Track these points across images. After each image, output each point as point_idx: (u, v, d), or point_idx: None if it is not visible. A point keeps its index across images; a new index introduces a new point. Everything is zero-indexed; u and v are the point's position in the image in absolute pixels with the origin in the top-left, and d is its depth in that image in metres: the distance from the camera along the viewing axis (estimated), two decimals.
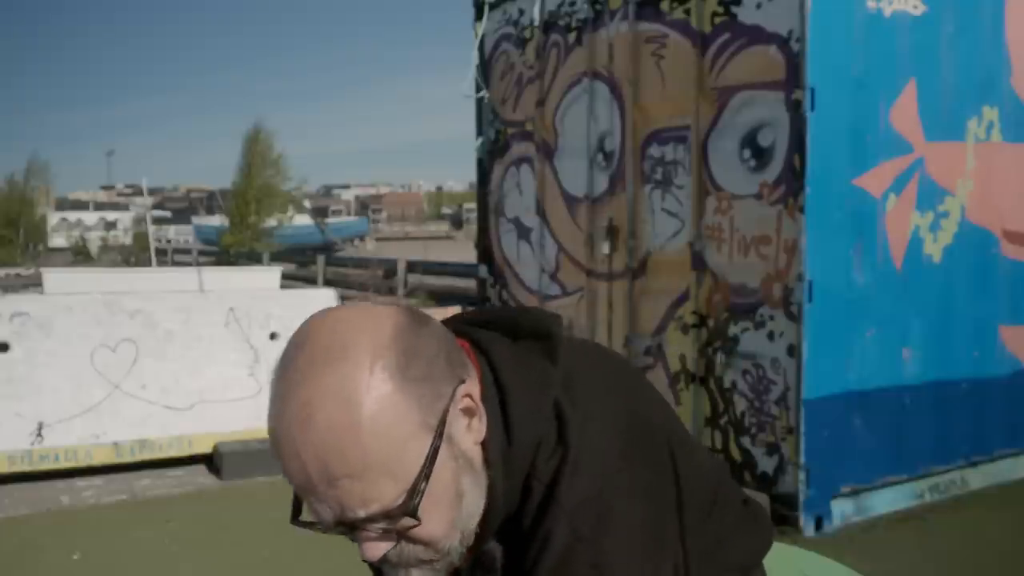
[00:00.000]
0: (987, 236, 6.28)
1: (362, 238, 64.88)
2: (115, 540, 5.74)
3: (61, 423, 7.02)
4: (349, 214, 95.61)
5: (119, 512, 6.38)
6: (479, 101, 8.40)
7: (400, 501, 1.19)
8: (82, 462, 7.05)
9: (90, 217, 65.05)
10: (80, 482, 6.97)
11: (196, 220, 66.29)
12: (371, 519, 1.20)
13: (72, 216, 64.34)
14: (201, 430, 7.39)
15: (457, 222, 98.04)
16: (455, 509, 1.27)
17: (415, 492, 1.19)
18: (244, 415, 7.52)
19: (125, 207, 76.26)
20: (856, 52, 5.54)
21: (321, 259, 26.04)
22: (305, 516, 1.28)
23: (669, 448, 1.39)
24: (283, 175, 42.70)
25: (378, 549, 1.25)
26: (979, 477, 6.35)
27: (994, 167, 6.27)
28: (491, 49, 8.24)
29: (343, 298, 9.68)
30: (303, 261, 30.31)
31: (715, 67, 6.00)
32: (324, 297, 8.36)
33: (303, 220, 53.52)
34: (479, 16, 8.32)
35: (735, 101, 5.87)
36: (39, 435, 6.96)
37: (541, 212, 7.66)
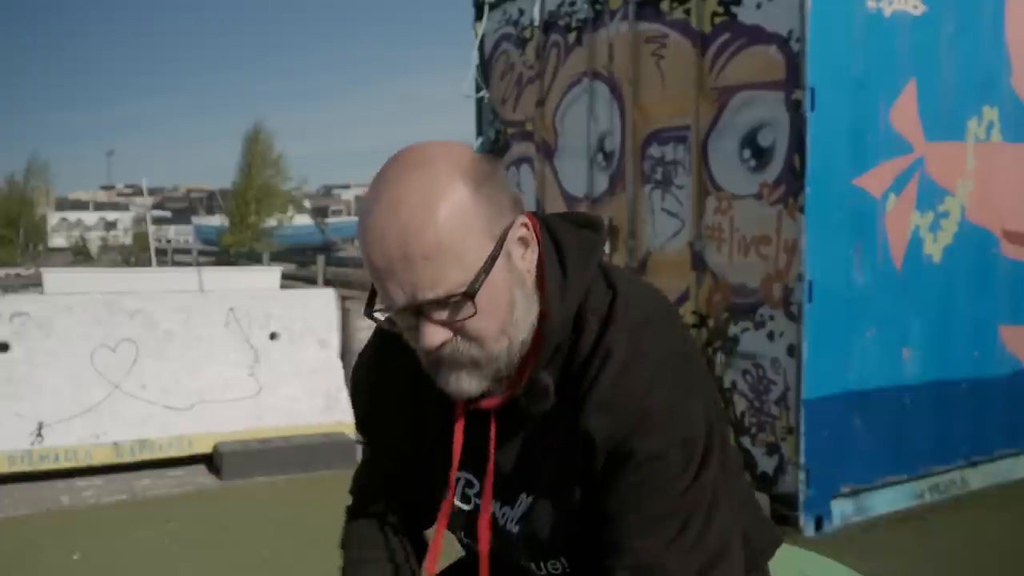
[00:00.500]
0: (987, 236, 6.28)
1: None
2: (115, 540, 5.74)
3: (61, 423, 7.02)
4: (349, 214, 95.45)
5: (119, 512, 6.38)
6: (479, 101, 8.40)
7: (464, 288, 1.39)
8: (82, 462, 7.05)
9: (90, 217, 65.03)
10: (80, 482, 6.97)
11: (196, 220, 66.27)
12: (437, 301, 1.40)
13: (72, 216, 64.32)
14: (201, 430, 7.39)
15: None
16: (507, 314, 1.46)
17: (476, 281, 1.39)
18: (244, 415, 7.52)
19: (125, 207, 76.27)
20: (856, 52, 5.54)
21: (321, 259, 26.04)
22: (379, 304, 1.47)
23: (715, 400, 1.62)
24: (283, 175, 42.74)
25: (437, 336, 1.43)
26: (979, 477, 6.35)
27: (994, 167, 6.27)
28: (491, 49, 8.24)
29: (344, 298, 9.68)
30: (303, 261, 30.31)
31: (715, 67, 6.00)
32: (324, 297, 8.36)
33: (303, 220, 53.49)
34: (479, 16, 8.32)
35: (735, 101, 5.87)
36: (39, 435, 6.96)
37: (541, 212, 7.65)
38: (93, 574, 5.22)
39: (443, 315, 1.42)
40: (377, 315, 1.49)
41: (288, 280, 16.35)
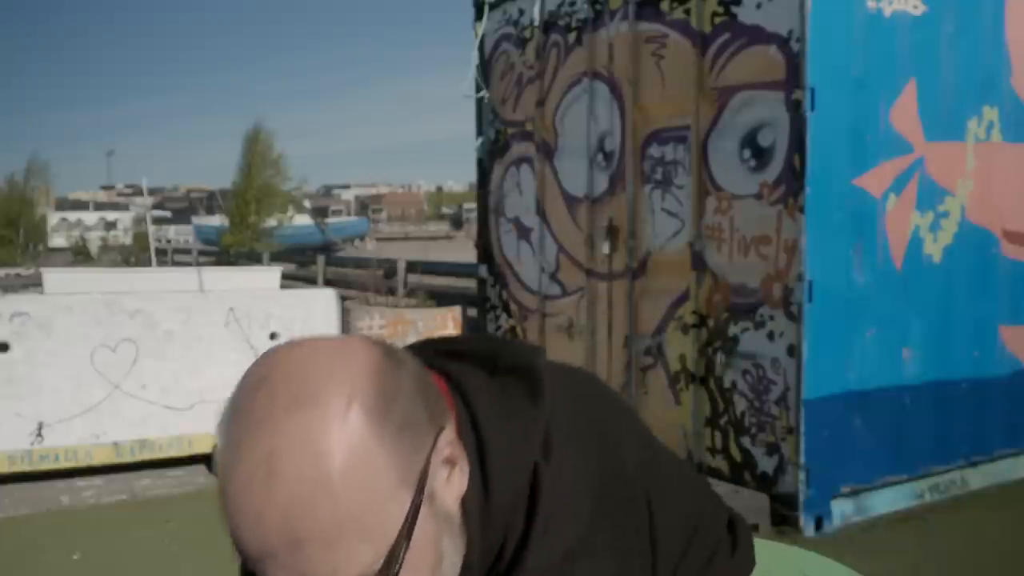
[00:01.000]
0: (987, 236, 6.28)
1: (362, 238, 64.89)
2: (115, 540, 5.74)
3: (61, 423, 7.02)
4: (349, 214, 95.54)
5: (119, 512, 6.38)
6: (479, 101, 8.40)
7: (377, 568, 1.02)
8: (82, 462, 7.05)
9: (90, 217, 65.03)
10: (80, 482, 6.97)
11: (196, 220, 66.28)
12: None
13: (72, 216, 64.32)
14: (201, 430, 7.39)
15: (457, 222, 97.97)
16: (432, 572, 1.10)
17: (394, 559, 1.02)
18: None
19: (125, 207, 76.25)
20: (856, 52, 5.54)
21: (321, 259, 26.01)
22: None
23: (647, 499, 1.28)
24: (283, 175, 42.67)
25: None
26: (979, 477, 6.35)
27: (994, 167, 6.27)
28: (491, 49, 8.24)
29: (343, 298, 9.69)
30: (303, 261, 30.26)
31: (715, 67, 6.00)
32: (324, 297, 8.36)
33: (303, 220, 53.49)
34: (479, 16, 8.32)
35: (735, 101, 5.87)
36: (39, 435, 6.96)
37: (541, 212, 7.66)
38: (93, 574, 5.22)
39: None
40: None
41: (288, 280, 16.32)
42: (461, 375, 1.22)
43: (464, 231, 75.44)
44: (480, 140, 8.48)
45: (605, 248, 6.93)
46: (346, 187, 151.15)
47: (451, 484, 1.11)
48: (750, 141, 5.79)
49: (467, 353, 1.27)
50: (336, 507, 0.98)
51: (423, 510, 1.05)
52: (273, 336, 7.79)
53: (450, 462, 1.11)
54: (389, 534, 1.02)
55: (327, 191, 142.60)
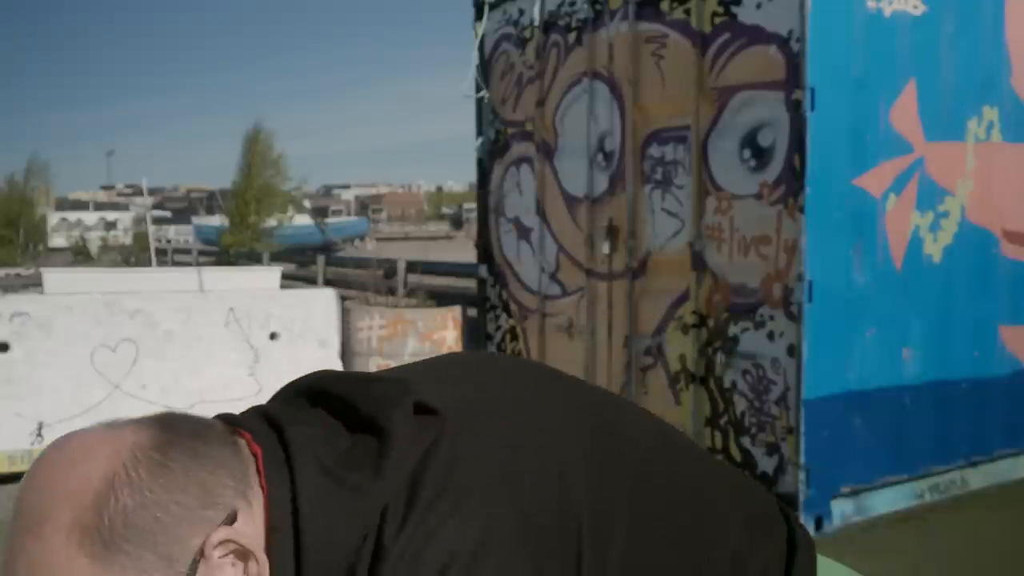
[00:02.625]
0: (987, 236, 6.28)
1: (362, 238, 64.87)
2: None
3: (61, 423, 7.02)
4: (349, 214, 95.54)
5: None
6: (479, 101, 8.40)
7: None
8: None
9: (90, 217, 65.00)
10: None
11: (196, 220, 66.24)
12: None
13: (72, 216, 64.29)
14: None
15: (457, 222, 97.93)
16: None
17: None
18: None
19: (125, 207, 76.23)
20: (856, 52, 5.54)
21: (321, 259, 25.99)
22: None
23: (579, 544, 1.10)
24: (283, 175, 42.64)
25: None
26: (979, 477, 6.36)
27: (994, 167, 6.27)
28: (491, 49, 8.24)
29: (343, 298, 9.69)
30: (303, 261, 30.24)
31: (715, 67, 6.00)
32: (324, 297, 8.37)
33: (303, 220, 53.46)
34: (479, 16, 8.32)
35: (735, 101, 5.88)
36: (39, 435, 6.96)
37: (541, 212, 7.66)
38: None
39: None
40: None
41: (288, 280, 16.30)
42: (298, 441, 1.11)
43: (464, 231, 75.45)
44: (480, 140, 8.48)
45: (605, 248, 6.93)
46: (346, 187, 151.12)
47: None
48: (750, 141, 5.79)
49: (332, 398, 1.17)
50: None
51: None
52: (273, 336, 7.80)
53: (241, 555, 1.02)
54: None
55: (327, 191, 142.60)
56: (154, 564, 0.97)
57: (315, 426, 1.13)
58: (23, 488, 1.00)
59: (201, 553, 0.99)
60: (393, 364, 8.34)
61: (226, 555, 1.00)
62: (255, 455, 1.09)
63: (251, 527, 1.03)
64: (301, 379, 1.26)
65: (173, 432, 1.07)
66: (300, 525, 1.04)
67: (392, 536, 1.01)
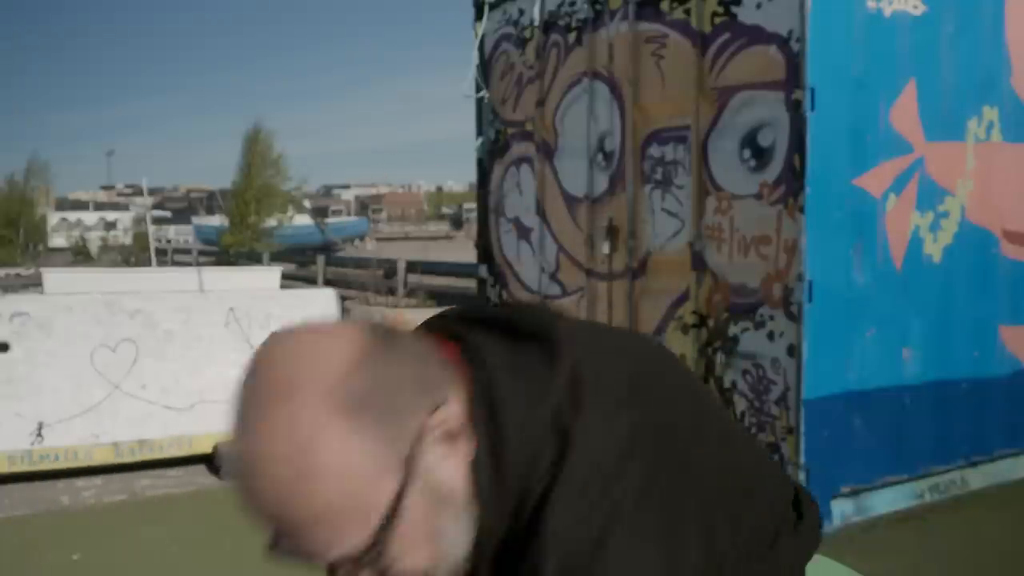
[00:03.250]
0: (987, 236, 6.28)
1: (362, 238, 64.91)
2: (115, 540, 5.75)
3: (61, 423, 7.02)
4: (349, 214, 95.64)
5: (119, 512, 6.38)
6: (479, 101, 8.40)
7: (368, 543, 1.10)
8: (82, 462, 7.05)
9: (90, 217, 65.05)
10: (80, 482, 6.98)
11: (196, 220, 66.30)
12: (340, 562, 1.12)
13: (72, 216, 64.34)
14: (201, 430, 7.39)
15: (457, 222, 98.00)
16: (433, 544, 1.16)
17: (380, 536, 1.10)
18: None
19: (125, 207, 76.27)
20: (856, 52, 5.54)
21: (321, 259, 26.03)
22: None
23: (687, 451, 1.24)
24: (283, 175, 42.70)
25: None
26: (979, 477, 6.35)
27: (994, 167, 6.27)
28: (491, 49, 8.24)
29: (343, 298, 9.68)
30: (303, 261, 30.29)
31: (715, 67, 6.00)
32: (324, 297, 8.38)
33: (303, 220, 53.51)
34: (479, 16, 8.32)
35: (735, 101, 5.87)
36: (39, 435, 6.96)
37: (541, 212, 7.66)
38: (93, 574, 5.22)
39: (354, 570, 1.14)
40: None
41: (288, 280, 16.31)
42: (478, 342, 1.25)
43: (464, 231, 75.49)
44: (480, 140, 8.48)
45: (605, 248, 6.93)
46: (346, 187, 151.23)
47: (453, 457, 1.16)
48: (750, 141, 5.79)
49: (488, 320, 1.30)
50: (321, 496, 1.07)
51: (413, 490, 1.12)
52: None
53: (450, 436, 1.16)
54: (377, 512, 1.10)
55: (327, 191, 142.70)
56: (392, 431, 1.11)
57: (488, 334, 1.27)
58: (259, 368, 1.15)
59: (421, 431, 1.13)
60: None
61: (440, 436, 1.15)
62: (449, 355, 1.23)
63: (457, 413, 1.17)
64: (445, 311, 1.38)
65: (386, 331, 1.19)
66: (496, 416, 1.18)
67: (568, 425, 1.16)
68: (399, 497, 1.11)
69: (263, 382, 1.14)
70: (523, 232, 7.94)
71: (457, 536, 1.18)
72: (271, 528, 1.12)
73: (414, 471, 1.12)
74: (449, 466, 1.16)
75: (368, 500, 1.10)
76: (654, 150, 6.49)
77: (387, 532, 1.10)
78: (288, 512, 1.08)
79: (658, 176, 6.48)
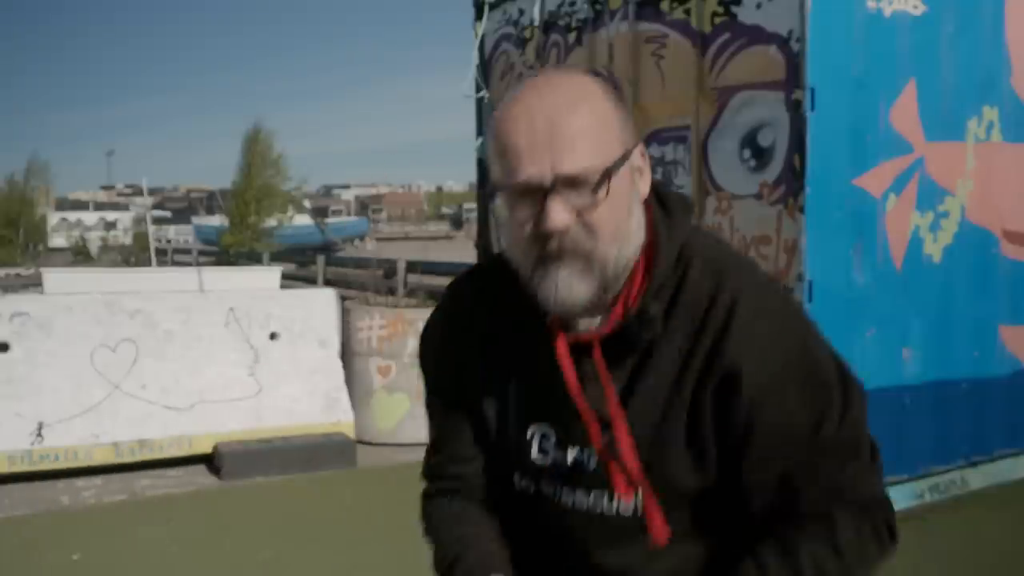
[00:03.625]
0: (987, 236, 6.28)
1: (362, 238, 64.89)
2: (115, 540, 5.74)
3: (61, 423, 7.02)
4: (349, 214, 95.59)
5: (119, 512, 6.38)
6: (479, 101, 8.40)
7: (602, 170, 1.49)
8: (82, 462, 7.05)
9: (90, 217, 65.04)
10: (80, 482, 6.97)
11: (196, 220, 66.27)
12: (574, 177, 1.47)
13: (72, 216, 64.32)
14: (201, 430, 7.40)
15: (457, 222, 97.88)
16: (624, 218, 1.55)
17: (612, 168, 1.50)
18: (244, 415, 7.53)
19: (125, 207, 76.26)
20: (856, 52, 5.54)
21: (321, 259, 26.00)
22: (502, 184, 1.53)
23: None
24: (283, 175, 42.67)
25: (562, 217, 1.48)
26: (979, 477, 6.35)
27: (994, 167, 6.27)
28: (491, 49, 8.24)
29: (343, 298, 9.69)
30: (303, 261, 30.25)
31: (715, 67, 6.00)
32: (324, 297, 8.37)
33: (303, 220, 53.49)
34: (479, 16, 8.32)
35: (735, 101, 5.87)
36: (39, 435, 6.96)
37: None
38: (93, 574, 5.22)
39: (572, 197, 1.48)
40: (500, 201, 1.55)
41: (288, 280, 16.28)
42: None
43: (464, 231, 75.41)
44: (480, 140, 8.47)
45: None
46: (346, 187, 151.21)
47: (640, 183, 1.62)
48: (750, 141, 5.79)
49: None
50: (585, 118, 1.50)
51: (626, 168, 1.55)
52: (273, 336, 7.80)
53: (640, 171, 1.61)
54: (609, 156, 1.51)
55: (327, 191, 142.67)
56: (626, 128, 1.57)
57: None
58: (539, 73, 1.62)
59: (636, 144, 1.59)
60: (393, 365, 8.37)
61: (640, 153, 1.61)
62: None
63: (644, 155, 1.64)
64: None
65: None
66: (659, 192, 1.68)
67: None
68: (625, 157, 1.53)
69: (545, 72, 1.63)
70: None
71: (635, 230, 1.58)
72: (529, 144, 1.49)
73: (630, 155, 1.55)
74: (640, 183, 1.61)
75: (609, 144, 1.52)
76: (654, 150, 6.49)
77: (612, 171, 1.50)
78: (556, 122, 1.48)
79: (658, 176, 6.47)
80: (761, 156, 5.71)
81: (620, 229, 1.53)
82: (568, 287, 1.52)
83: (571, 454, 1.64)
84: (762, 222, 5.70)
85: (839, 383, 1.69)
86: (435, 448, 1.83)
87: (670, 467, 1.58)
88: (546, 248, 1.50)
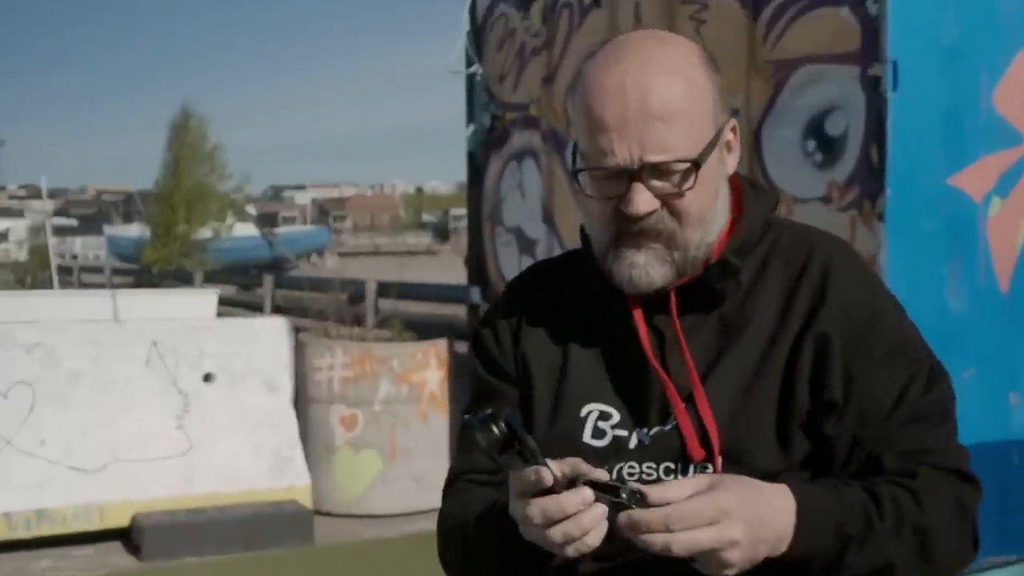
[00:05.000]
0: None
1: (321, 253, 64.92)
2: None
3: None
4: (305, 222, 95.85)
5: None
6: (470, 78, 8.42)
7: (691, 157, 1.77)
8: None
9: None
10: None
11: (109, 230, 66.22)
12: (661, 165, 1.76)
13: None
14: (116, 498, 7.38)
15: (442, 232, 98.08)
16: (711, 201, 1.85)
17: (701, 157, 1.78)
18: (170, 478, 7.51)
19: (19, 213, 76.31)
20: (949, 16, 5.54)
21: (269, 279, 26.02)
22: (598, 160, 1.79)
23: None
24: (220, 173, 42.58)
25: (647, 202, 1.77)
26: None
27: None
28: (485, 11, 8.27)
29: (297, 329, 9.68)
30: (246, 283, 30.28)
31: (771, 35, 6.02)
32: (273, 328, 8.37)
33: (246, 230, 53.47)
34: None
35: (796, 78, 5.89)
36: None
37: (549, 220, 7.67)
38: None
39: (658, 183, 1.78)
40: (582, 175, 1.83)
41: (227, 307, 16.28)
42: None
43: (451, 244, 75.44)
44: (471, 128, 8.49)
45: None
46: (301, 188, 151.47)
47: (729, 161, 1.92)
48: (815, 129, 5.80)
49: None
50: (679, 100, 1.77)
51: (716, 149, 1.84)
52: (207, 378, 7.79)
53: (729, 147, 1.91)
54: (701, 140, 1.80)
55: (276, 193, 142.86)
56: (719, 103, 1.86)
57: None
58: (631, 34, 1.95)
59: (727, 120, 1.90)
60: (360, 415, 8.35)
61: (732, 128, 1.91)
62: None
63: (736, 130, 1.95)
64: None
65: None
66: (745, 204, 1.97)
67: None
68: (717, 138, 1.83)
69: (639, 35, 1.95)
70: (526, 245, 7.94)
71: (720, 211, 1.90)
72: (618, 121, 1.76)
73: (722, 133, 1.87)
74: (729, 161, 1.92)
75: (701, 127, 1.81)
76: None
77: (702, 160, 1.78)
78: (649, 104, 1.75)
79: None
80: (829, 148, 5.72)
81: (706, 214, 1.85)
82: (645, 271, 1.82)
83: (635, 436, 1.87)
84: (831, 231, 5.69)
85: (927, 354, 1.95)
86: (463, 449, 2.07)
87: (752, 447, 1.81)
88: (627, 228, 1.81)
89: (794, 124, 5.91)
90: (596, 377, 1.91)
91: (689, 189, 1.78)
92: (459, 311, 12.16)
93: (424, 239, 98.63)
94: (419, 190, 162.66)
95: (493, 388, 2.03)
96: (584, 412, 1.89)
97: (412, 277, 23.16)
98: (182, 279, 30.75)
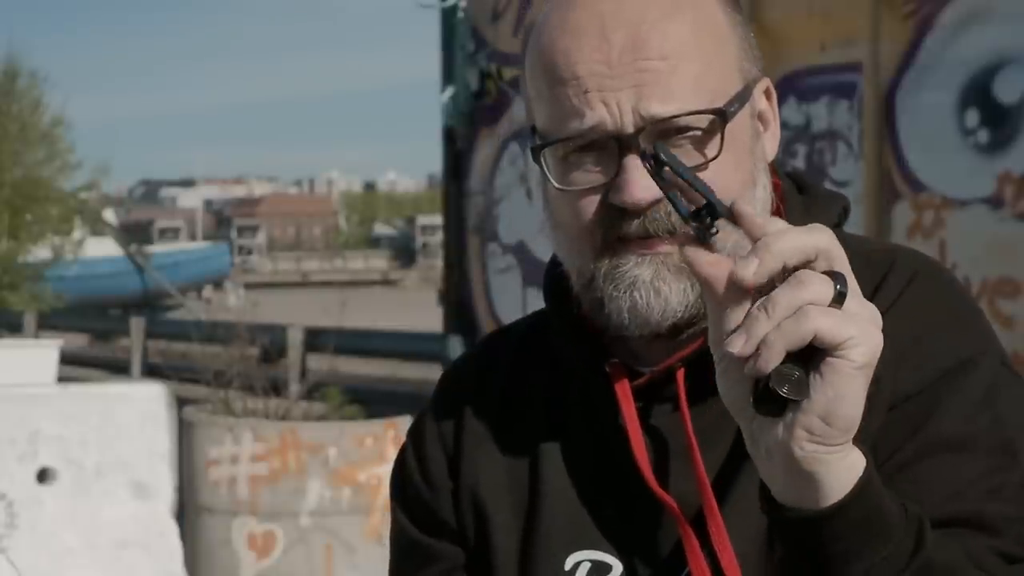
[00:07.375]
0: None
1: (219, 283, 65.12)
2: None
3: None
4: (193, 236, 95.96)
5: None
6: (447, 14, 8.43)
7: (712, 110, 1.69)
8: None
9: None
10: None
11: None
12: (668, 124, 1.68)
13: None
14: None
15: (405, 251, 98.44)
16: (746, 185, 1.76)
17: (728, 109, 1.71)
18: None
19: None
20: None
21: (139, 325, 26.09)
22: (570, 125, 1.71)
23: None
24: (63, 160, 42.82)
25: (647, 185, 1.64)
26: None
27: None
28: None
29: (183, 400, 9.67)
30: (104, 330, 30.36)
31: None
32: (145, 398, 8.35)
33: (103, 248, 53.66)
34: None
35: (947, 16, 5.90)
36: None
37: None
38: None
39: (657, 164, 1.61)
40: (546, 154, 1.75)
41: (74, 367, 16.27)
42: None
43: (418, 269, 75.76)
44: (449, 92, 8.50)
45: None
46: (187, 184, 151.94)
47: (764, 137, 1.86)
48: (978, 95, 5.81)
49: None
50: (686, 33, 1.71)
51: (747, 110, 1.79)
52: (44, 476, 7.77)
53: (763, 119, 1.87)
54: (721, 92, 1.73)
55: (150, 191, 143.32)
56: (747, 52, 1.83)
57: None
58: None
59: (759, 77, 1.85)
60: (279, 532, 8.31)
61: (764, 91, 1.87)
62: None
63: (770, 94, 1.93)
64: None
65: None
66: (787, 196, 1.94)
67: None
68: (744, 91, 1.77)
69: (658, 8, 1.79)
70: (534, 271, 7.92)
71: (762, 204, 1.80)
72: (597, 67, 1.69)
73: (750, 92, 1.80)
74: (764, 137, 1.87)
75: (721, 69, 1.76)
76: (790, 111, 6.52)
77: (728, 114, 1.70)
78: (641, 34, 1.68)
79: (796, 161, 6.51)
80: (1001, 123, 5.73)
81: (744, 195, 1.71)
82: (653, 291, 1.70)
83: None
84: (1005, 251, 5.70)
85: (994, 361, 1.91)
86: None
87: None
88: (621, 232, 1.71)
89: (946, 86, 5.92)
90: (581, 507, 1.85)
91: (713, 159, 1.68)
92: (430, 373, 12.16)
93: (377, 262, 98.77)
94: (369, 187, 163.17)
95: (423, 551, 1.99)
96: (570, 565, 1.84)
97: (358, 322, 23.23)
98: (7, 323, 30.84)
